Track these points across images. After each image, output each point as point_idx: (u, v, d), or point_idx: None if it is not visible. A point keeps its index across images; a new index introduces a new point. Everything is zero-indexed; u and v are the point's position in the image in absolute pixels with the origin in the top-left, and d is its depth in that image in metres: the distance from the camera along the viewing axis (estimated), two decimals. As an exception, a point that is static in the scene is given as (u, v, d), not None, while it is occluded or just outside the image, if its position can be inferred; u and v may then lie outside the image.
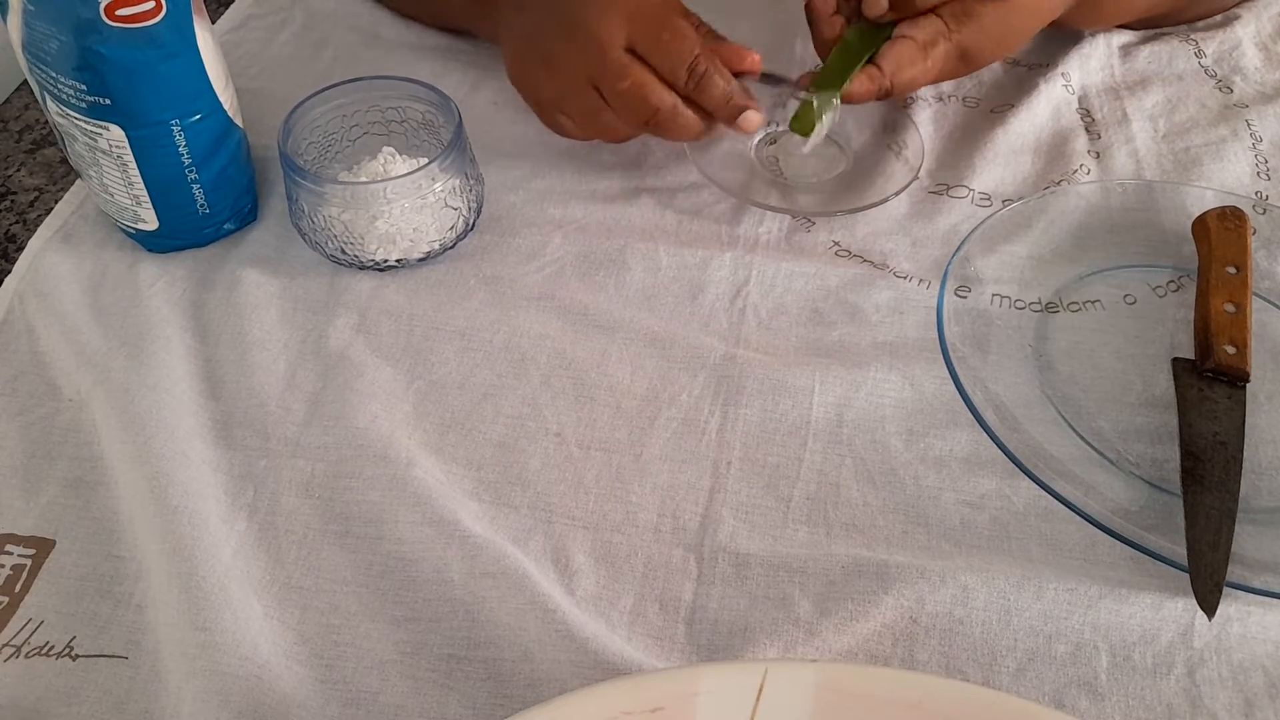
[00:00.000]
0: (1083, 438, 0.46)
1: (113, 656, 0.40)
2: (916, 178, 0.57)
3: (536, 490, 0.45)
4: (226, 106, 0.51)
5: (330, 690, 0.39)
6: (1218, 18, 0.70)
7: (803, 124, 0.55)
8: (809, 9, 0.56)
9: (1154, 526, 0.42)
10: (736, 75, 0.52)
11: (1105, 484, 0.44)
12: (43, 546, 0.43)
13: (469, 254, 0.54)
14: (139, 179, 0.50)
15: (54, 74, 0.46)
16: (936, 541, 0.43)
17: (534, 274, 0.53)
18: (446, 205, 0.52)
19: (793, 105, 0.56)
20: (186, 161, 0.50)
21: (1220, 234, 0.52)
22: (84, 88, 0.46)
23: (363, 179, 0.52)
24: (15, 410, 0.48)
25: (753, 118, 0.53)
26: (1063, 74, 0.65)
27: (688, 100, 0.52)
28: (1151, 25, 0.68)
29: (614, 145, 0.60)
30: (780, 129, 0.61)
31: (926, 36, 0.53)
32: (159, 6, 0.45)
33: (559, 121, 0.55)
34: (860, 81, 0.53)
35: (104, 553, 0.43)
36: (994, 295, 0.51)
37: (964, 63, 0.55)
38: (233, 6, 0.71)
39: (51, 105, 0.48)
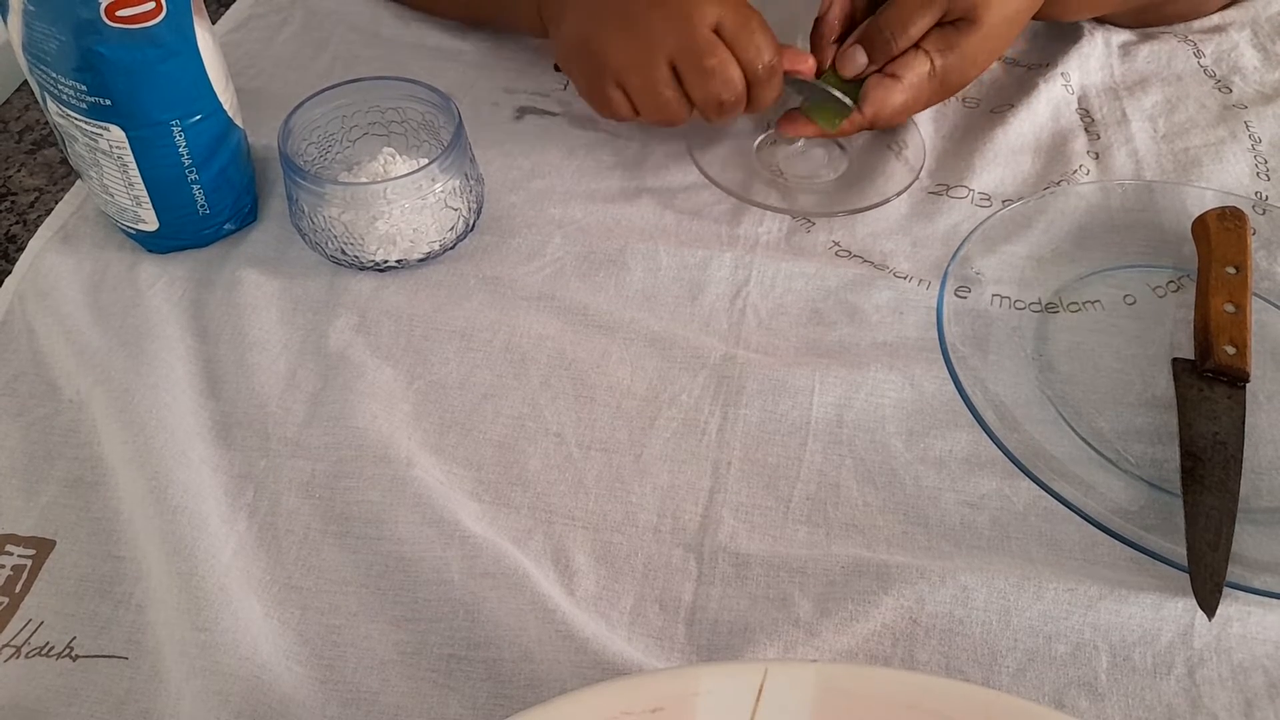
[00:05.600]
0: (1083, 438, 0.46)
1: (113, 656, 0.40)
2: (917, 178, 0.57)
3: (536, 490, 0.45)
4: (226, 106, 0.51)
5: (330, 690, 0.39)
6: (1214, 18, 0.70)
7: (829, 119, 0.56)
8: (814, 33, 0.57)
9: (1154, 526, 0.42)
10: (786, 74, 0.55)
11: (1105, 484, 0.44)
12: (43, 547, 0.43)
13: (469, 254, 0.54)
14: (139, 179, 0.50)
15: (54, 74, 0.46)
16: (936, 541, 0.43)
17: (534, 274, 0.53)
18: (446, 206, 0.52)
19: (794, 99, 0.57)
20: (186, 162, 0.50)
21: (1220, 234, 0.52)
22: (84, 88, 0.46)
23: (363, 180, 0.52)
24: (15, 410, 0.48)
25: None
26: (1062, 74, 0.65)
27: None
28: (1138, 21, 0.68)
29: (615, 145, 0.60)
30: (780, 129, 0.61)
31: (912, 76, 0.54)
32: (159, 7, 0.45)
33: (611, 96, 0.55)
34: (843, 124, 0.56)
35: (104, 553, 0.43)
36: (994, 295, 0.51)
37: (945, 89, 0.56)
38: (233, 6, 0.71)
39: (51, 106, 0.48)
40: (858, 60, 0.54)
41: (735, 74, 0.53)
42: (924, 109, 0.57)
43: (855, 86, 0.55)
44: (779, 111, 0.60)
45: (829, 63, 0.56)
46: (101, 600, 0.41)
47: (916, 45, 0.54)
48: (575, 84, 0.58)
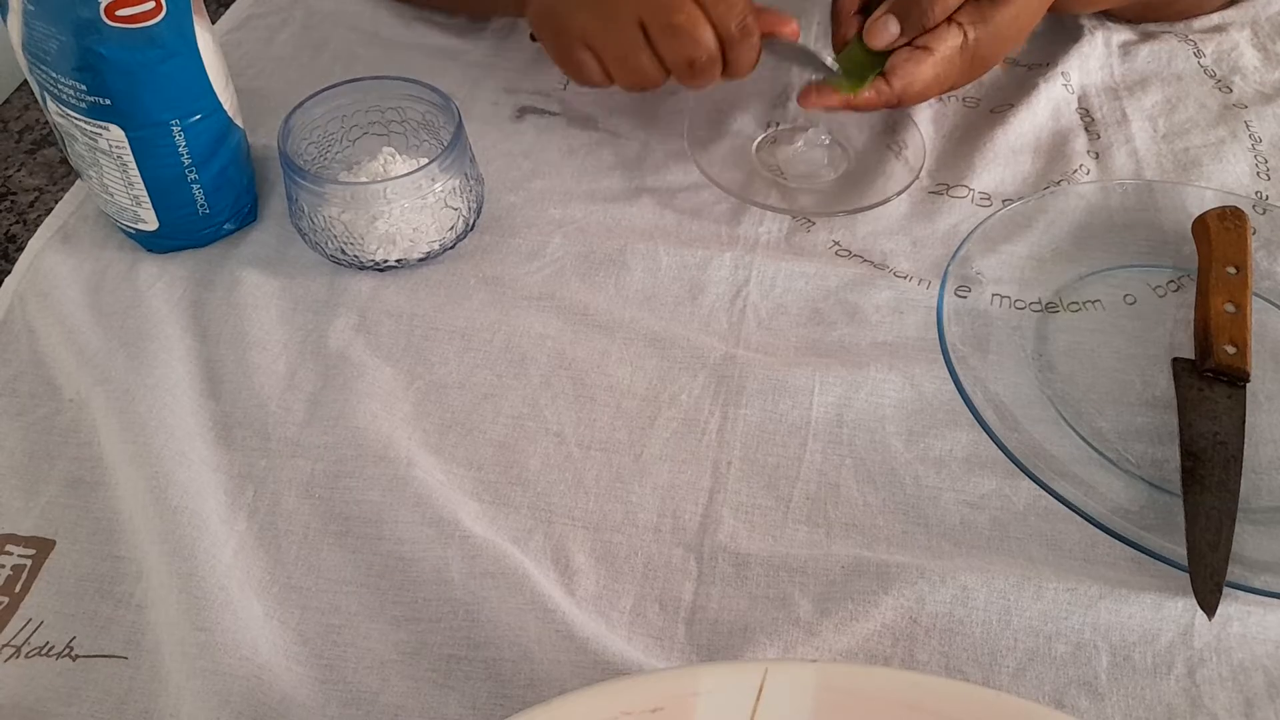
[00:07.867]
0: (1083, 438, 0.46)
1: (113, 656, 0.40)
2: (917, 178, 0.57)
3: (536, 490, 0.45)
4: (226, 106, 0.51)
5: (330, 690, 0.39)
6: (1214, 18, 0.70)
7: (852, 86, 0.54)
8: (835, 5, 0.56)
9: (1154, 526, 0.42)
10: (767, 37, 0.53)
11: (1105, 484, 0.44)
12: (43, 546, 0.43)
13: (469, 254, 0.54)
14: (139, 179, 0.50)
15: (54, 74, 0.46)
16: (936, 541, 0.43)
17: (534, 274, 0.53)
18: (446, 205, 0.52)
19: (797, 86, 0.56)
20: (186, 162, 0.50)
21: (1220, 234, 0.52)
22: (84, 88, 0.46)
23: (363, 179, 0.52)
24: (15, 410, 0.48)
25: None
26: (1062, 74, 0.65)
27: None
28: (1140, 17, 0.68)
29: (615, 145, 0.60)
30: (782, 128, 0.61)
31: (944, 48, 0.52)
32: (159, 6, 0.45)
33: (582, 60, 0.53)
34: (867, 95, 0.54)
35: (104, 553, 0.43)
36: (994, 295, 0.51)
37: (976, 67, 0.55)
38: (233, 6, 0.71)
39: (51, 105, 0.48)
40: (890, 30, 0.52)
41: (706, 33, 0.51)
42: (952, 88, 0.55)
43: (880, 60, 0.53)
44: (781, 110, 0.60)
45: (854, 33, 0.54)
46: (101, 600, 0.41)
47: (949, 18, 0.52)
48: (546, 50, 0.56)
